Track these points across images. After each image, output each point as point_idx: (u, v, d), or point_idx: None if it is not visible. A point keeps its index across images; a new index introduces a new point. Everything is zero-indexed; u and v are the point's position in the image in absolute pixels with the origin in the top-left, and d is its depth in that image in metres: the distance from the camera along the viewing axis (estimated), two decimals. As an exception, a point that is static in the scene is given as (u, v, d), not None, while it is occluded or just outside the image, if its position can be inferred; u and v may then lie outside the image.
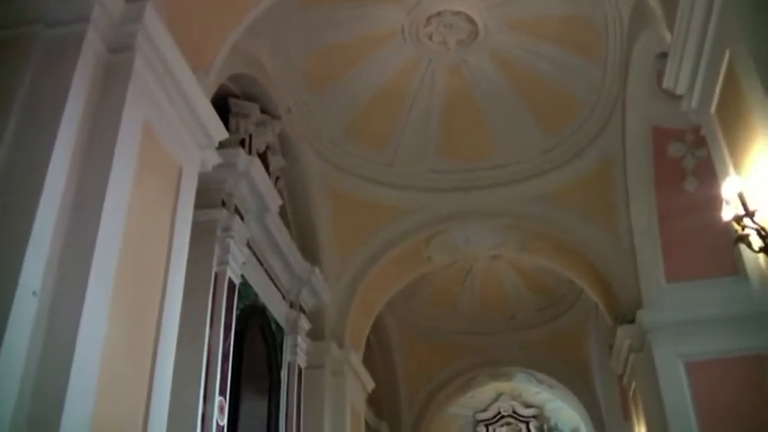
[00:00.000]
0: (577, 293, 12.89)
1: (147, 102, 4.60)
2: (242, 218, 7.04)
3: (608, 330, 10.82)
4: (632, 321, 9.23)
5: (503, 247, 10.98)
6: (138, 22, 4.41)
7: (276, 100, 8.19)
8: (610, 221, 9.50)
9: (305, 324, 8.96)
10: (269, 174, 7.93)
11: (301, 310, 9.00)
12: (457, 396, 15.88)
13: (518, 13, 8.04)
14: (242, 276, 7.16)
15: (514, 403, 18.30)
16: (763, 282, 4.35)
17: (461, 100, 9.17)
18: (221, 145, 5.69)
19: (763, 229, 4.12)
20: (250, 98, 7.82)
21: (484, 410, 18.40)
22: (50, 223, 3.70)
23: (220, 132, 5.51)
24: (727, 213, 4.40)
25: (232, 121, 7.49)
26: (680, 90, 5.05)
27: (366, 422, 11.78)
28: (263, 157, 7.92)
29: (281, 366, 8.34)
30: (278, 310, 8.51)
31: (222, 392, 6.25)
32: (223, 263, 6.59)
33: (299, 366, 8.66)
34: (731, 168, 4.54)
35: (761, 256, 4.21)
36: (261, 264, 8.05)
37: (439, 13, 8.06)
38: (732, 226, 4.37)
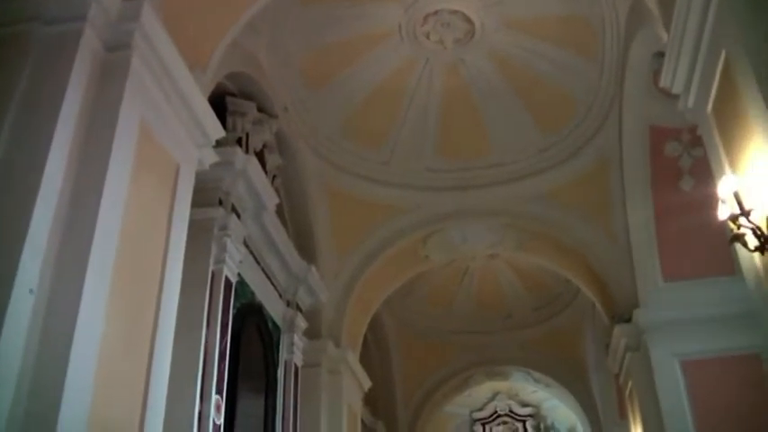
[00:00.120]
0: (574, 292, 12.91)
1: (144, 100, 4.59)
2: (239, 216, 7.04)
3: (604, 329, 10.84)
4: (629, 320, 9.25)
5: (500, 246, 11.00)
6: (135, 20, 4.40)
7: (273, 98, 8.18)
8: (607, 220, 9.52)
9: (302, 323, 8.96)
10: (266, 172, 7.93)
11: (298, 308, 9.01)
12: (453, 395, 15.90)
13: (515, 13, 8.04)
14: (239, 275, 7.16)
15: (511, 402, 18.35)
16: (758, 281, 4.35)
17: (458, 99, 9.17)
18: (218, 143, 5.68)
19: (758, 228, 4.12)
20: (247, 96, 7.81)
21: (480, 409, 18.46)
22: (47, 221, 3.69)
23: (217, 131, 5.50)
24: (722, 212, 4.41)
25: (229, 120, 7.49)
26: (676, 89, 5.05)
27: (363, 421, 11.79)
28: (259, 156, 7.91)
29: (277, 365, 8.34)
30: (275, 308, 8.51)
31: (219, 391, 6.25)
32: (220, 261, 6.59)
33: (295, 365, 8.66)
34: (727, 167, 4.54)
35: (756, 255, 4.21)
36: (258, 262, 8.05)
37: (436, 12, 8.05)
38: (728, 225, 4.37)
